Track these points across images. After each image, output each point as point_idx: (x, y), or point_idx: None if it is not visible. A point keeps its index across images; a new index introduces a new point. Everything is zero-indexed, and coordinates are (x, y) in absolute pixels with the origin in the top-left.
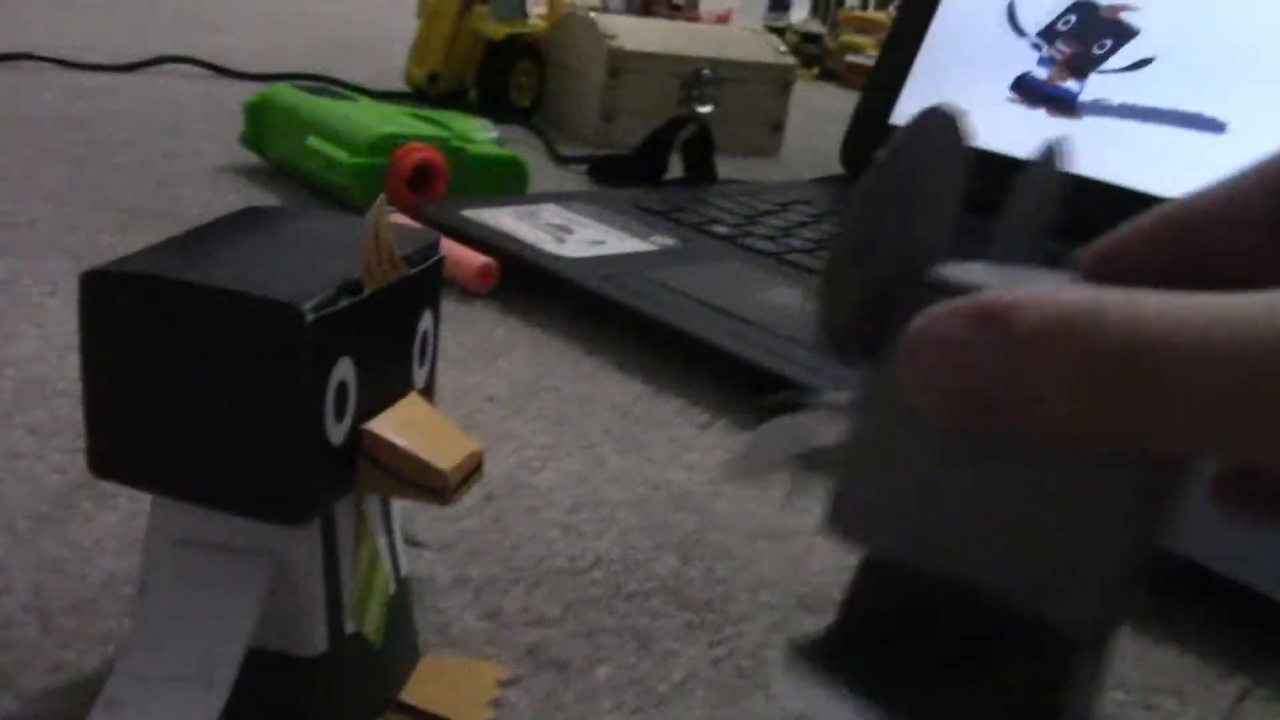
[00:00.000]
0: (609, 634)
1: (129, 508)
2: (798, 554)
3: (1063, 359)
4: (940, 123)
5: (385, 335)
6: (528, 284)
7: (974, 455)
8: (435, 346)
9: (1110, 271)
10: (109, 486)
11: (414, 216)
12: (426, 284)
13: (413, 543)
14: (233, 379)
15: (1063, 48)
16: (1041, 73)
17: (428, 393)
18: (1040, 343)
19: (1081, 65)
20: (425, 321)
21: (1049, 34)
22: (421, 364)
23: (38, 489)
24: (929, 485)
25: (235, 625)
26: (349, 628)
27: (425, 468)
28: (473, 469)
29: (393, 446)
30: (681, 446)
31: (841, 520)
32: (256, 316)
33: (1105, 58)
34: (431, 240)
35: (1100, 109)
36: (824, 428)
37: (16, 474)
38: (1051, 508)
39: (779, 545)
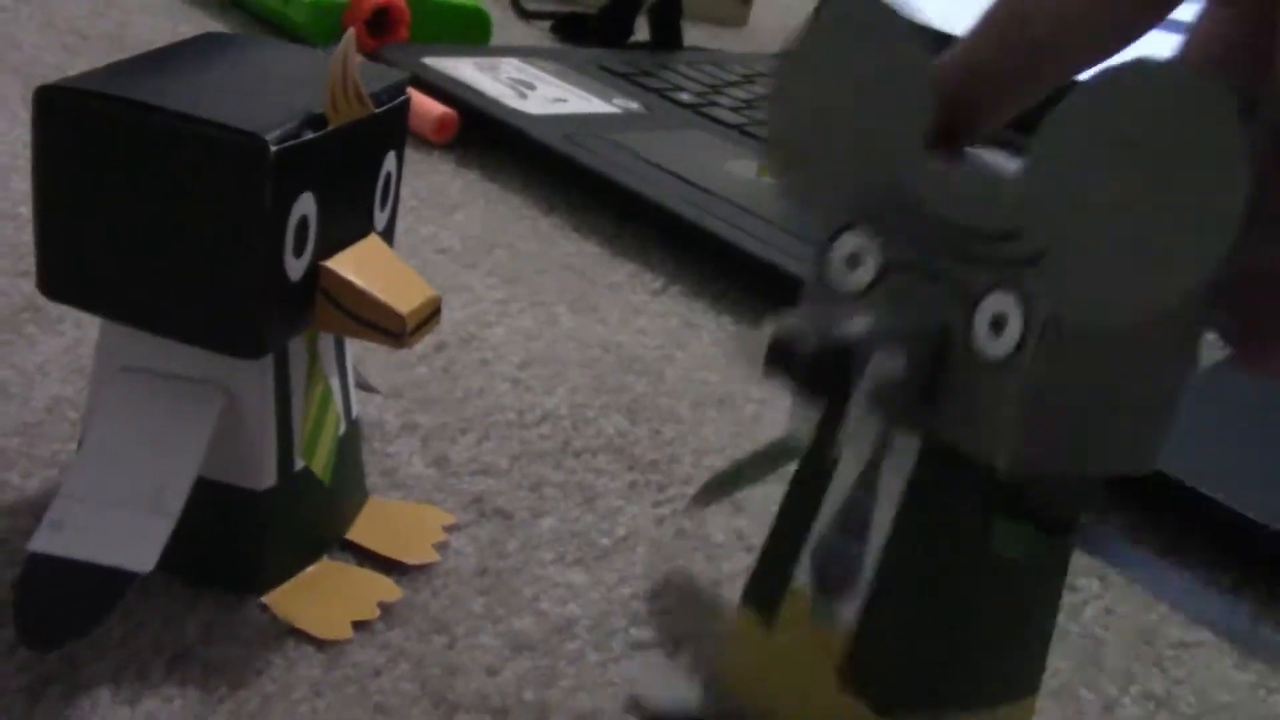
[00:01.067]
0: (554, 488)
1: (75, 333)
2: (744, 420)
3: None
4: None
5: (348, 173)
6: (487, 138)
7: (1121, 364)
8: (398, 190)
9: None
10: (54, 310)
11: (372, 61)
12: (392, 125)
13: (364, 386)
14: (191, 208)
15: None
16: None
17: (388, 236)
18: None
19: None
20: (389, 163)
21: None
22: (383, 207)
23: None
24: (1093, 386)
25: (185, 454)
26: (298, 464)
27: (383, 309)
28: (430, 314)
29: (351, 286)
30: (634, 310)
31: (1027, 455)
32: (219, 145)
33: None
34: (399, 80)
35: None
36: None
37: None
38: (1152, 388)
39: (726, 411)
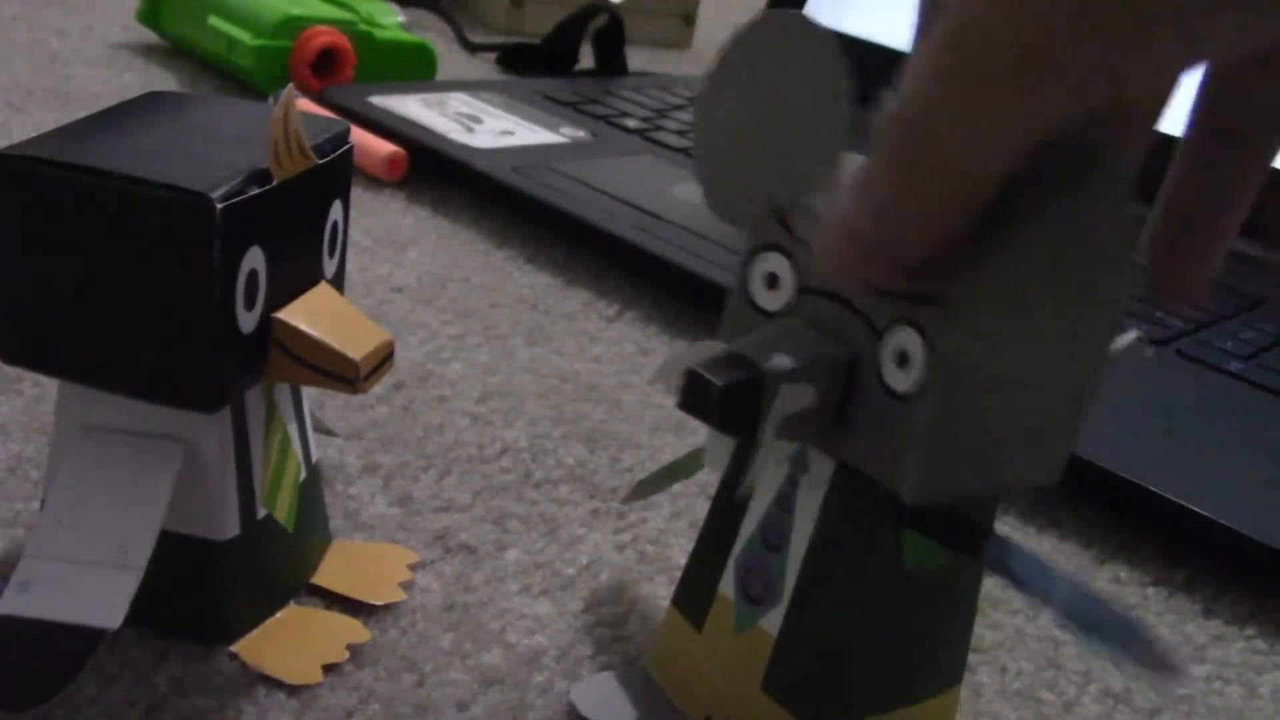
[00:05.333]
0: (517, 520)
1: (34, 392)
2: (701, 445)
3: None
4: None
5: (295, 225)
6: (436, 174)
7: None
8: (345, 237)
9: None
10: (11, 371)
11: (319, 102)
12: (336, 174)
13: (322, 430)
14: (144, 268)
15: None
16: None
17: (337, 283)
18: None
19: None
20: (335, 212)
21: None
22: (331, 254)
23: None
24: (995, 415)
25: (148, 509)
26: (260, 512)
27: (336, 356)
28: (383, 358)
29: (303, 335)
30: (589, 339)
31: (932, 483)
32: (167, 206)
33: None
34: (341, 130)
35: None
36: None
37: None
38: (1057, 408)
39: (683, 436)
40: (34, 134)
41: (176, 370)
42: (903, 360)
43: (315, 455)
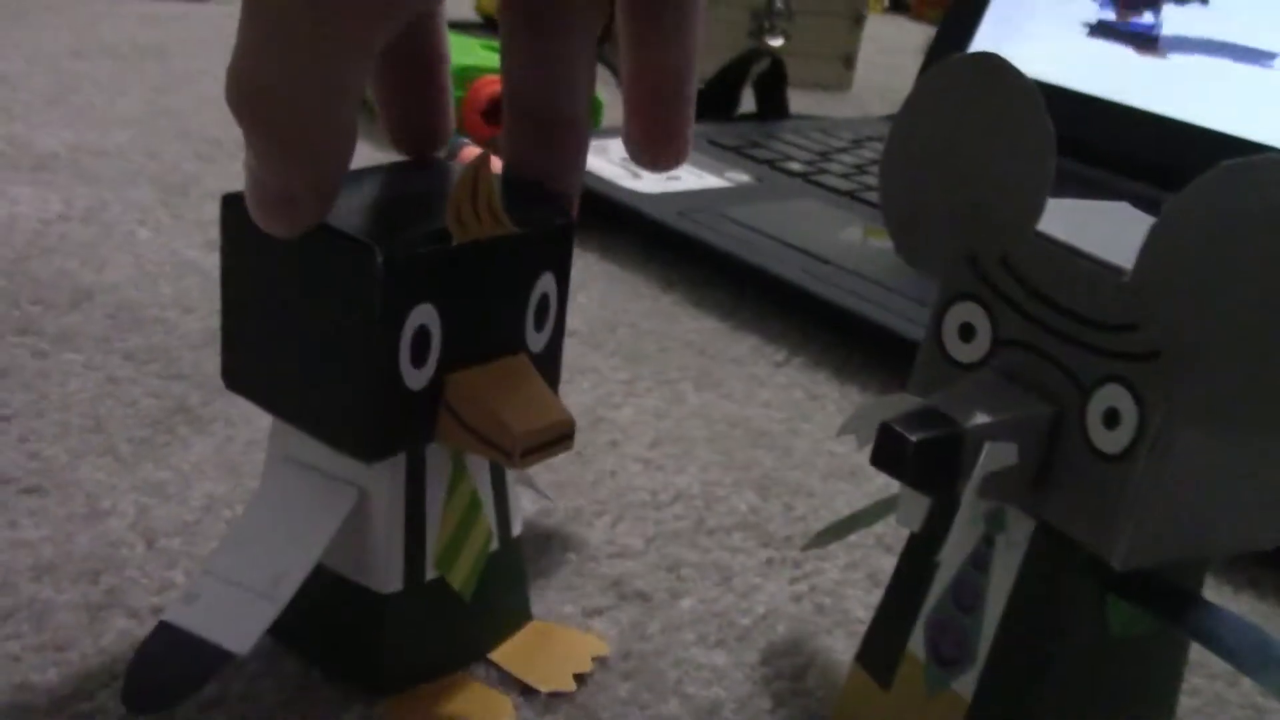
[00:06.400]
0: (691, 567)
1: (225, 432)
2: (875, 493)
3: None
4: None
5: (482, 289)
6: (603, 219)
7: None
8: (561, 313)
9: None
10: (205, 411)
11: (485, 147)
12: (546, 246)
13: (533, 487)
14: (325, 312)
15: None
16: (1108, 13)
17: (549, 360)
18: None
19: None
20: (545, 284)
21: None
22: (540, 328)
23: (137, 414)
24: (1212, 478)
25: (305, 547)
26: (430, 574)
27: (497, 425)
28: (556, 438)
29: (469, 399)
30: (758, 384)
31: (1142, 549)
32: (340, 253)
33: None
34: (561, 203)
35: (1181, 44)
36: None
37: (117, 399)
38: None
39: (858, 484)
40: (224, 184)
41: (340, 415)
42: (1112, 420)
43: (518, 529)
